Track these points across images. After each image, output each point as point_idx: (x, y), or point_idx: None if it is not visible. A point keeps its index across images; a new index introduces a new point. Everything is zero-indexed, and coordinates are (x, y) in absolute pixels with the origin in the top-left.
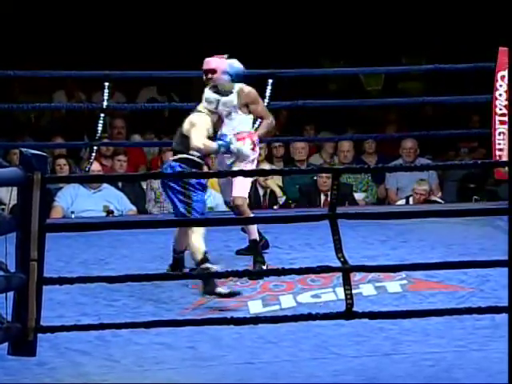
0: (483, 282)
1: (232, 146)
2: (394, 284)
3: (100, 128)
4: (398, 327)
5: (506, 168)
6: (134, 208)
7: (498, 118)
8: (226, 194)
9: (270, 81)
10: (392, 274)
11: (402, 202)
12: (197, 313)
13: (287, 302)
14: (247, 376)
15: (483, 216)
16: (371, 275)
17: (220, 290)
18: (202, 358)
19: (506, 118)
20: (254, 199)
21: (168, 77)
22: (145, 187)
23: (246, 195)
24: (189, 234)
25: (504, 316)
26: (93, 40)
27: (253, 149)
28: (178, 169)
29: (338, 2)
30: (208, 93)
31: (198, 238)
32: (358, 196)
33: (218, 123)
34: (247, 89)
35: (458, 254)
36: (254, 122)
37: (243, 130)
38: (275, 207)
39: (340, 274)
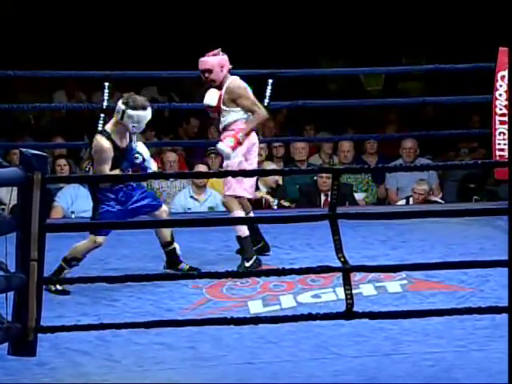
0: (483, 282)
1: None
2: (394, 284)
3: (100, 128)
4: (398, 327)
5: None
6: None
7: (498, 118)
8: None
9: (270, 81)
10: (392, 274)
11: (402, 202)
12: (197, 313)
13: (287, 301)
14: (247, 376)
15: (483, 216)
16: (371, 275)
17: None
18: (202, 357)
19: (506, 118)
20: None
21: (168, 77)
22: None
23: (238, 194)
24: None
25: (504, 316)
26: (93, 40)
27: (233, 147)
28: None
29: (338, 2)
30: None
31: (84, 246)
32: (358, 196)
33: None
34: (232, 85)
35: (458, 253)
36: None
37: (232, 126)
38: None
39: (340, 274)
